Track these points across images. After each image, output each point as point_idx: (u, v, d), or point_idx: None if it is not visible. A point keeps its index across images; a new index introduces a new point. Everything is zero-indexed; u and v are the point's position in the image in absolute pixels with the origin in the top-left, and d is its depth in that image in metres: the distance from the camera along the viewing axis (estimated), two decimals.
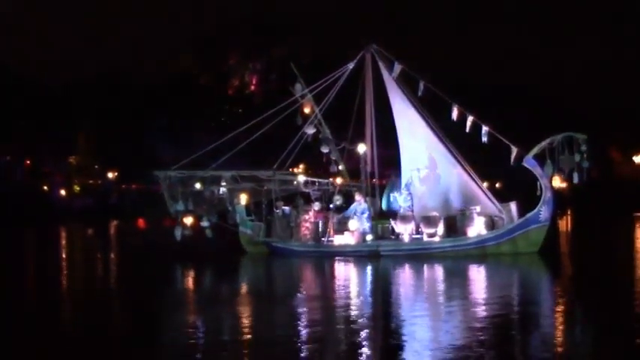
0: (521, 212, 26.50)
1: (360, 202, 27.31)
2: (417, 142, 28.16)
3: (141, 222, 64.51)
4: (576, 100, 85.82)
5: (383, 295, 19.18)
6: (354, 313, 15.77)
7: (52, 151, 76.04)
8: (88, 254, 33.77)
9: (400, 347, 12.32)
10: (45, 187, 75.11)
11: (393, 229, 27.01)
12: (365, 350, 12.18)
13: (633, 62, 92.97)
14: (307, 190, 28.86)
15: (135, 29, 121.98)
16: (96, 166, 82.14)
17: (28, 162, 75.84)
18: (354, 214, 27.14)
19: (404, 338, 13.17)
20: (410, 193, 27.35)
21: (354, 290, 20.06)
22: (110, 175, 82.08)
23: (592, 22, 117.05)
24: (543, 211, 25.77)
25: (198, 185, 28.48)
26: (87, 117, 78.39)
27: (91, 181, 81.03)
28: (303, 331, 13.79)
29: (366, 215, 27.07)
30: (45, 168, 76.04)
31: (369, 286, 21.29)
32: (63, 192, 77.03)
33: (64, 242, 43.77)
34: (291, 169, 31.55)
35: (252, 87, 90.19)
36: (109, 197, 77.78)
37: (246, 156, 29.56)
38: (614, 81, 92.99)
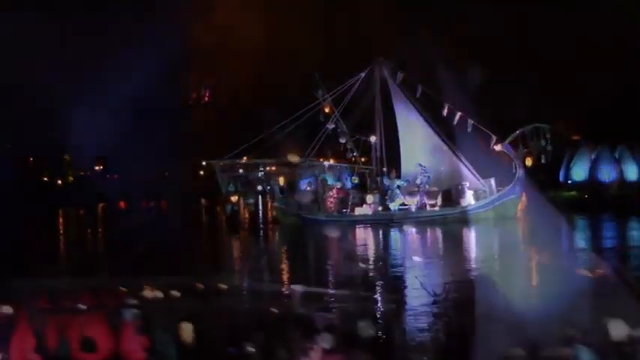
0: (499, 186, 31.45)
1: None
2: (413, 134, 32.71)
3: (122, 204, 69.10)
4: None
5: (397, 246, 24.04)
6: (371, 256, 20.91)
7: (50, 149, 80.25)
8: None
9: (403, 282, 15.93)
10: (45, 179, 79.25)
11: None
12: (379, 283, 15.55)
13: None
14: (331, 173, 33.65)
15: None
16: None
17: (31, 159, 79.86)
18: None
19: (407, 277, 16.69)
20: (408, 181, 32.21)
21: (371, 245, 25.00)
22: (97, 167, 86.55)
23: None
24: (517, 186, 30.83)
25: (241, 170, 33.24)
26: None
27: (82, 173, 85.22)
28: (329, 275, 17.18)
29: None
30: (44, 163, 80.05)
31: (388, 241, 25.87)
32: (59, 182, 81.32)
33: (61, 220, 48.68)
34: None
35: (207, 98, 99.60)
36: (96, 185, 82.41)
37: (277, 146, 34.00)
38: None
